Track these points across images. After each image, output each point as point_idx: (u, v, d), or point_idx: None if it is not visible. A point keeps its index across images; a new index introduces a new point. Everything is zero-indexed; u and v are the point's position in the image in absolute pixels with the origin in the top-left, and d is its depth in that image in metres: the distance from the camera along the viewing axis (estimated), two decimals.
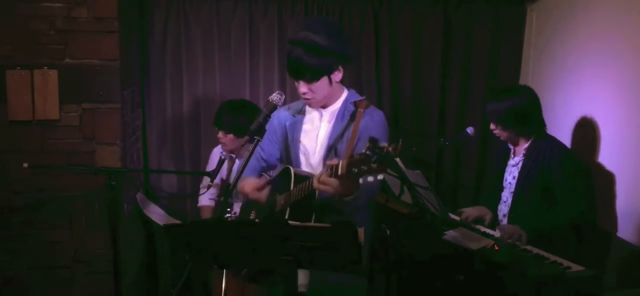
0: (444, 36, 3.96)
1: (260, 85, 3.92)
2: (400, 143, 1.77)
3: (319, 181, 2.05)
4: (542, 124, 2.96)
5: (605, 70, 3.12)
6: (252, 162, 2.51)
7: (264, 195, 2.36)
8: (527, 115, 2.90)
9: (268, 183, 2.39)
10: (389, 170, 2.94)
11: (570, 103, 3.40)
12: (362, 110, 2.34)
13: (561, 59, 3.55)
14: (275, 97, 2.25)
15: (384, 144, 1.78)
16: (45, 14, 3.19)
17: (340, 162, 1.93)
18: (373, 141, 1.78)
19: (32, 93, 3.19)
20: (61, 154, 3.27)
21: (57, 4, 3.19)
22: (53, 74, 3.20)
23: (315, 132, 2.43)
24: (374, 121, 2.35)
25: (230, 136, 3.26)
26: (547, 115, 3.25)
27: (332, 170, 1.98)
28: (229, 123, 3.25)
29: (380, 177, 1.79)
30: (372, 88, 3.95)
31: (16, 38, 3.18)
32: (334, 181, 2.00)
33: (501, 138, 3.00)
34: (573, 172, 2.82)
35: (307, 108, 2.48)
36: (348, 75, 3.93)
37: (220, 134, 3.29)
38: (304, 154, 2.45)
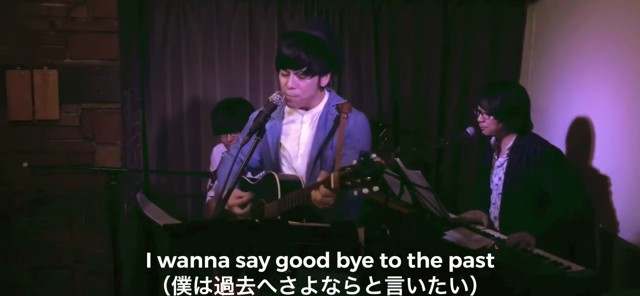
0: (444, 36, 3.96)
1: (260, 85, 3.92)
2: (393, 155, 1.78)
3: (321, 197, 2.00)
4: (529, 122, 2.96)
5: (605, 70, 3.12)
6: (236, 166, 2.46)
7: (245, 212, 2.34)
8: (520, 109, 2.90)
9: (250, 200, 2.37)
10: (389, 172, 2.94)
11: (570, 103, 3.40)
12: (345, 115, 2.29)
13: (561, 59, 3.55)
14: (275, 97, 2.24)
15: (377, 158, 1.78)
16: (45, 14, 3.19)
17: (332, 175, 1.91)
18: (365, 155, 1.78)
19: (32, 93, 3.19)
20: (61, 154, 3.27)
21: (57, 4, 3.19)
22: (53, 74, 3.20)
23: (297, 135, 2.39)
24: (357, 125, 2.31)
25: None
26: (547, 115, 3.27)
27: (325, 184, 1.95)
28: (235, 123, 3.24)
29: (376, 188, 1.78)
30: (372, 88, 3.95)
31: (16, 38, 3.18)
32: (331, 194, 1.97)
33: (486, 131, 2.96)
34: (560, 165, 2.83)
35: (287, 109, 2.42)
36: (348, 75, 3.95)
37: (230, 137, 3.27)
38: (286, 157, 2.42)
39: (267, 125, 2.44)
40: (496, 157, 3.04)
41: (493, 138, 3.04)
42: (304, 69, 2.23)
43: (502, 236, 2.87)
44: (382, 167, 1.76)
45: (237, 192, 2.38)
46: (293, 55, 2.22)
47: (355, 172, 1.80)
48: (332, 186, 1.91)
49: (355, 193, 1.81)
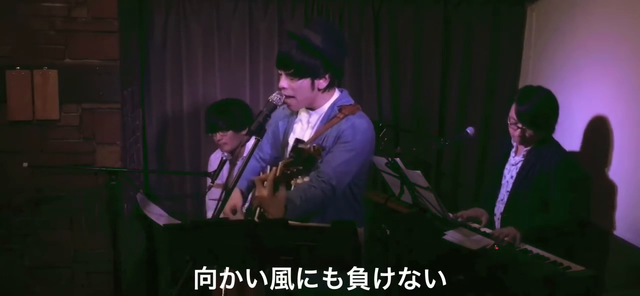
0: (444, 36, 3.96)
1: (260, 85, 3.92)
2: (319, 145, 1.79)
3: (255, 181, 2.04)
4: (553, 128, 2.95)
5: (605, 70, 3.12)
6: (252, 162, 2.50)
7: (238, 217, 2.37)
8: (550, 118, 2.88)
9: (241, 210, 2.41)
10: (389, 172, 2.94)
11: (570, 103, 3.40)
12: (342, 116, 2.30)
13: (561, 59, 3.56)
14: (275, 97, 2.25)
15: (306, 146, 1.79)
16: (45, 14, 3.18)
17: (279, 165, 1.93)
18: (296, 142, 1.80)
19: (32, 93, 3.19)
20: (61, 154, 3.27)
21: (57, 4, 3.19)
22: (53, 74, 3.19)
23: (303, 134, 2.40)
24: (353, 128, 2.28)
25: (230, 133, 3.26)
26: None
27: (274, 174, 1.98)
28: (224, 122, 3.25)
29: (306, 178, 1.82)
30: (372, 88, 3.95)
31: (16, 38, 3.18)
32: (262, 189, 2.00)
33: (515, 137, 2.93)
34: (566, 181, 2.80)
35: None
36: (348, 76, 3.95)
37: (219, 136, 3.29)
38: None
39: (280, 123, 2.47)
40: (513, 155, 3.04)
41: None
42: (291, 71, 2.24)
43: None
44: (312, 156, 1.77)
45: (235, 196, 2.41)
46: (283, 55, 2.26)
47: (290, 160, 1.83)
48: (277, 174, 1.93)
49: (292, 183, 1.85)
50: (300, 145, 1.80)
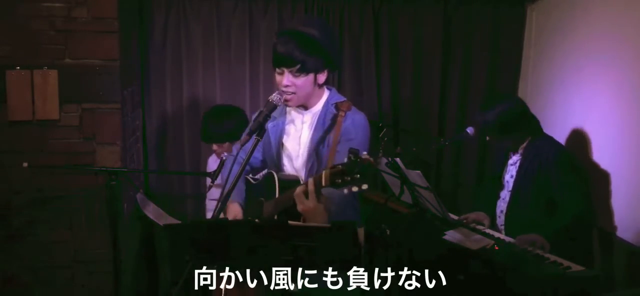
0: (444, 36, 3.97)
1: (260, 85, 3.92)
2: (380, 155, 1.79)
3: (297, 195, 2.04)
4: (534, 124, 2.96)
5: (605, 70, 3.12)
6: (236, 167, 2.47)
7: None
8: (516, 120, 2.91)
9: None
10: (389, 172, 2.94)
11: (570, 103, 3.40)
12: (343, 113, 2.30)
13: (561, 59, 3.56)
14: (275, 97, 2.24)
15: (366, 156, 1.78)
16: (45, 14, 3.19)
17: (324, 173, 1.91)
18: (354, 152, 1.78)
19: (32, 93, 3.19)
20: (61, 154, 3.27)
21: (57, 4, 3.19)
22: (53, 74, 3.19)
23: (298, 135, 2.40)
24: (354, 123, 2.30)
25: (226, 144, 3.26)
26: (547, 115, 3.27)
27: (316, 182, 1.97)
28: (220, 135, 3.25)
29: (365, 187, 1.80)
30: (372, 88, 3.95)
31: (16, 38, 3.18)
32: (306, 202, 2.01)
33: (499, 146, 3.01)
34: (569, 170, 2.84)
35: (288, 109, 2.43)
36: (348, 75, 3.95)
37: (215, 147, 3.30)
38: (288, 157, 2.43)
39: (270, 125, 2.45)
40: (511, 155, 3.06)
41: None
42: (297, 67, 2.23)
43: (502, 237, 2.88)
44: (371, 165, 1.76)
45: (236, 210, 2.39)
46: (286, 53, 2.23)
47: (345, 169, 1.81)
48: (323, 183, 1.91)
49: (346, 191, 1.83)
50: (360, 156, 1.79)
